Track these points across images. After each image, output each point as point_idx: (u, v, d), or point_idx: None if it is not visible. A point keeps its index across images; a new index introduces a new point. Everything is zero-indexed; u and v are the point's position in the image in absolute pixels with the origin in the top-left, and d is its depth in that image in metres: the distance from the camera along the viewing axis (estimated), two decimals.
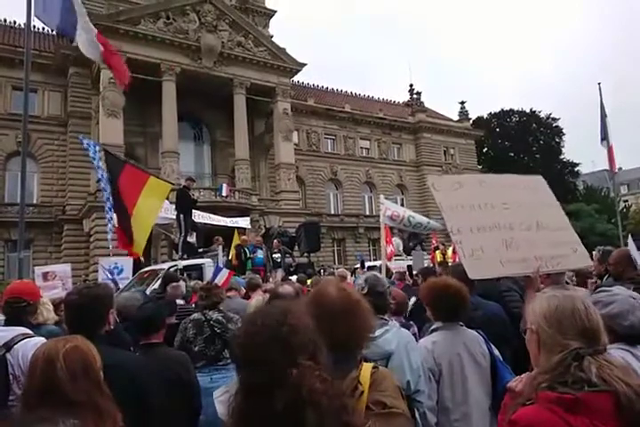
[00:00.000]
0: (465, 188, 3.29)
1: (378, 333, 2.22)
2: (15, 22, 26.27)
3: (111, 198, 7.40)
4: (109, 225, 8.89)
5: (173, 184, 7.61)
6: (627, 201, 50.74)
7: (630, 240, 4.35)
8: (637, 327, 1.81)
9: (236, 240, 11.08)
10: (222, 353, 4.01)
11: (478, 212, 3.15)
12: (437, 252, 14.68)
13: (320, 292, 1.64)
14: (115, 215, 8.33)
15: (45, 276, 8.31)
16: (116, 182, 6.50)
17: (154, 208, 6.71)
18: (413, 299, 4.64)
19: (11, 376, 2.49)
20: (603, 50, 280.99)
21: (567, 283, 4.07)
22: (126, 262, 10.55)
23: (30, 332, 2.71)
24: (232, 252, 10.75)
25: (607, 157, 10.68)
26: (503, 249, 3.05)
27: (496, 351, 2.58)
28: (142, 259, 9.91)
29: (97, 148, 8.42)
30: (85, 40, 5.07)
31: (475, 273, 3.02)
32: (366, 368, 1.50)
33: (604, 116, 10.82)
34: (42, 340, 2.66)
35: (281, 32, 58.24)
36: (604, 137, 10.68)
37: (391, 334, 2.24)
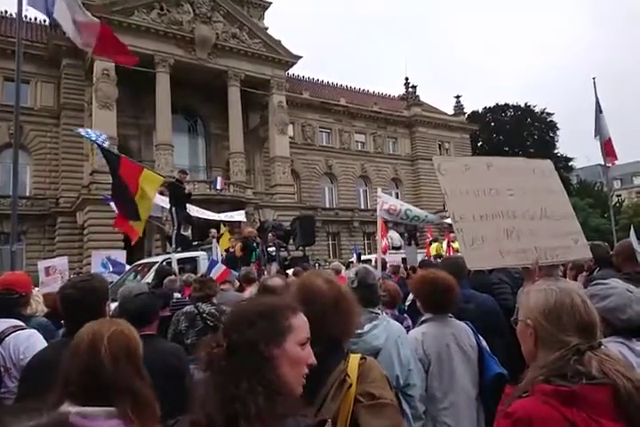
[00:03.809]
0: (471, 171, 3.14)
1: (366, 328, 2.22)
2: (6, 12, 25.86)
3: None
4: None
5: (164, 177, 7.63)
6: (620, 195, 51.04)
7: (632, 232, 4.35)
8: (635, 321, 1.80)
9: (226, 235, 11.06)
10: None
11: (482, 198, 3.04)
12: (435, 245, 14.69)
13: (308, 284, 1.63)
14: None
15: (47, 270, 8.32)
16: (116, 174, 6.63)
17: (150, 196, 6.85)
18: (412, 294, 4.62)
19: (2, 368, 2.48)
20: (600, 45, 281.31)
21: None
22: (120, 255, 10.54)
23: (22, 324, 2.70)
24: (238, 244, 10.73)
25: (601, 150, 10.62)
26: (504, 239, 2.97)
27: (484, 343, 2.61)
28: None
29: (101, 136, 8.32)
30: (74, 27, 4.97)
31: (474, 263, 2.97)
32: (354, 360, 1.50)
33: (598, 110, 10.81)
34: (33, 332, 2.65)
35: (276, 24, 57.85)
36: (598, 132, 10.66)
37: (379, 330, 2.25)
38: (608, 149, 10.72)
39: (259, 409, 1.04)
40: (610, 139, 10.70)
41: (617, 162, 11.65)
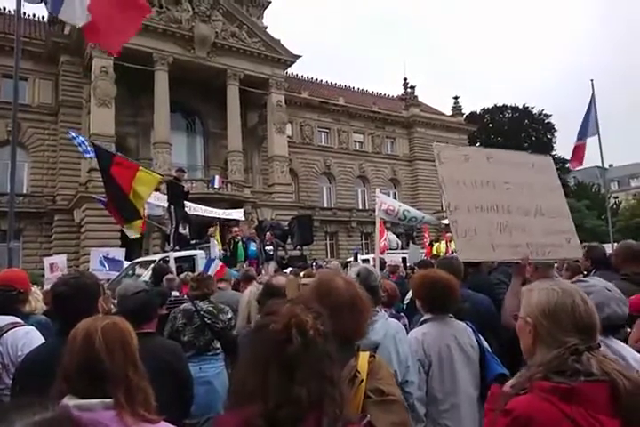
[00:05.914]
0: (471, 161, 3.11)
1: None
2: (5, 9, 25.78)
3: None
4: None
5: (162, 176, 7.60)
6: (617, 198, 50.97)
7: None
8: (613, 319, 1.85)
9: (217, 236, 11.14)
10: (212, 344, 4.01)
11: (479, 190, 3.02)
12: (437, 244, 14.81)
13: (327, 282, 1.67)
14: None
15: (52, 267, 8.40)
16: (108, 173, 6.55)
17: (144, 196, 6.80)
18: (410, 294, 4.61)
19: (0, 365, 2.48)
20: (599, 48, 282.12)
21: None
22: (119, 253, 10.54)
23: (20, 321, 2.69)
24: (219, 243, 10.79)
25: (599, 150, 10.50)
26: (496, 232, 2.96)
27: (485, 343, 2.59)
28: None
29: (86, 142, 8.39)
30: (73, 8, 4.88)
31: (465, 255, 2.97)
32: (363, 357, 1.54)
33: (595, 113, 10.77)
34: (31, 329, 2.65)
35: (275, 24, 57.93)
36: (595, 133, 10.56)
37: (379, 325, 2.25)
38: (579, 152, 10.62)
39: (342, 395, 1.11)
40: (585, 143, 10.57)
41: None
